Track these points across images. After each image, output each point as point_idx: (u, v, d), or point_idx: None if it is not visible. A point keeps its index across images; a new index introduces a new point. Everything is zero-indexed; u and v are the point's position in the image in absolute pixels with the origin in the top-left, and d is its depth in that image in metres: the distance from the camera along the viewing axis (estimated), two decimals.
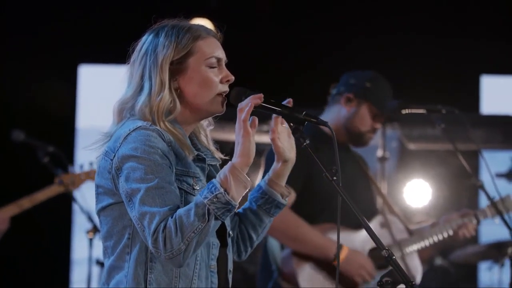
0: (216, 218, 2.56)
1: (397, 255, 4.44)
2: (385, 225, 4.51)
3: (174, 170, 2.68)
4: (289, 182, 4.23)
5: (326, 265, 4.29)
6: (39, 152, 5.69)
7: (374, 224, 4.46)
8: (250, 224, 2.91)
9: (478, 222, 4.58)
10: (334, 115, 4.47)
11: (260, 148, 2.94)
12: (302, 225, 4.27)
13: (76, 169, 5.74)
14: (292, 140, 2.83)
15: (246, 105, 2.65)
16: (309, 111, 2.72)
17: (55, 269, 7.47)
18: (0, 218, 5.57)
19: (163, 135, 2.68)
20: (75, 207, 6.43)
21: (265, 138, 2.86)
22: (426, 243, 4.52)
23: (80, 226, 6.79)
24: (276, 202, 2.89)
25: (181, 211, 2.56)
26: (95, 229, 5.59)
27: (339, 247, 4.22)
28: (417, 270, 4.53)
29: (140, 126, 2.67)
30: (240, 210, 2.92)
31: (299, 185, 4.28)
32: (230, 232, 2.85)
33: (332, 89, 4.54)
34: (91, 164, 5.74)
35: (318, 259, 4.30)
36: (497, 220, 4.54)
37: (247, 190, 2.63)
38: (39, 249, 7.32)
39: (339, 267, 4.21)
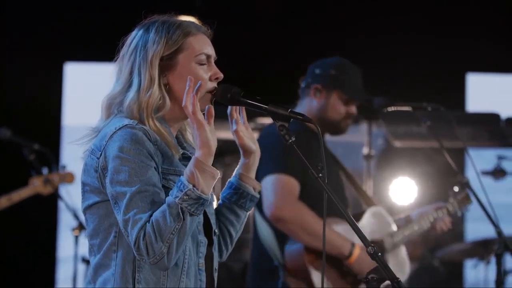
0: (191, 215, 2.56)
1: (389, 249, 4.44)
2: (378, 216, 4.50)
3: (160, 170, 2.67)
4: (292, 173, 4.23)
5: (340, 262, 4.26)
6: (25, 150, 5.68)
7: (367, 217, 4.46)
8: (228, 221, 2.91)
9: (450, 215, 4.60)
10: (306, 108, 4.39)
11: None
12: (318, 220, 4.21)
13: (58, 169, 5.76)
14: (251, 132, 2.84)
15: (188, 99, 2.64)
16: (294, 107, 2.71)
17: (40, 267, 7.45)
18: None
19: (149, 134, 2.66)
20: (61, 205, 6.43)
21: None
22: (403, 236, 4.51)
23: (66, 223, 6.77)
24: (250, 196, 2.88)
25: (156, 214, 2.55)
26: (81, 227, 5.59)
27: (325, 245, 4.21)
28: (403, 265, 4.51)
29: (126, 124, 2.65)
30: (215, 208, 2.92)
31: (301, 177, 4.25)
32: (216, 230, 2.85)
33: (300, 82, 4.51)
34: (63, 167, 5.77)
35: (332, 256, 4.24)
36: (460, 212, 4.58)
37: (216, 179, 2.63)
38: (24, 247, 7.30)
39: (324, 263, 4.19)
